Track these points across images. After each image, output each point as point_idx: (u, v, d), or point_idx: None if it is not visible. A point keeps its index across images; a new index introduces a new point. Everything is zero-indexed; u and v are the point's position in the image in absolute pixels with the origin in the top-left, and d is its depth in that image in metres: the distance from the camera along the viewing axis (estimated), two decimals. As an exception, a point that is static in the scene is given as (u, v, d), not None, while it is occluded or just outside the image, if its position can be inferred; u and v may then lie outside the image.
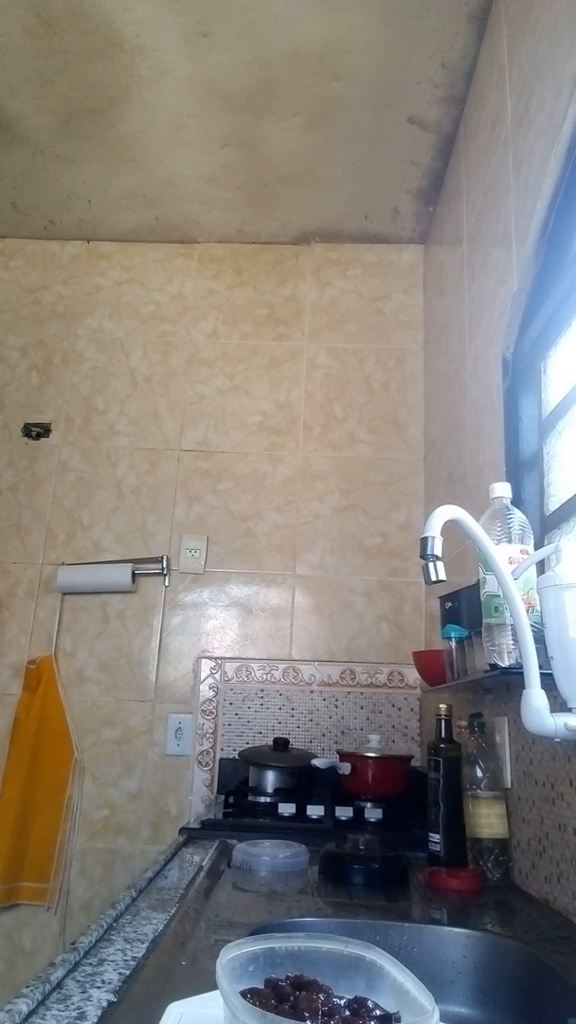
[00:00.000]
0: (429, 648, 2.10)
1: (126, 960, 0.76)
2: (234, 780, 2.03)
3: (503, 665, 1.09)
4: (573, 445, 1.32)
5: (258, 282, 2.71)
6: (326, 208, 2.58)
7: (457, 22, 1.87)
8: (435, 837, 1.28)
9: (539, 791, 1.13)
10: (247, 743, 2.17)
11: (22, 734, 2.22)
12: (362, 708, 2.23)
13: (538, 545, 1.22)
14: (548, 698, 0.90)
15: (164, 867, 1.22)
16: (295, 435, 2.53)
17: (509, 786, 1.27)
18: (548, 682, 0.91)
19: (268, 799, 1.81)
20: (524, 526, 1.12)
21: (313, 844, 1.32)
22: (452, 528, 0.97)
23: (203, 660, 2.29)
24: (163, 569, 2.39)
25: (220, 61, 2.02)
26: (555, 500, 1.38)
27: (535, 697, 0.90)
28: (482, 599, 1.14)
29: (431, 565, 0.93)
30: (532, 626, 0.94)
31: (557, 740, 0.91)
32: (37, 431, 2.55)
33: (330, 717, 2.22)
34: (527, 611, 0.97)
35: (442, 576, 0.92)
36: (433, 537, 0.93)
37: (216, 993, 0.52)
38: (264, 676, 2.27)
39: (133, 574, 2.34)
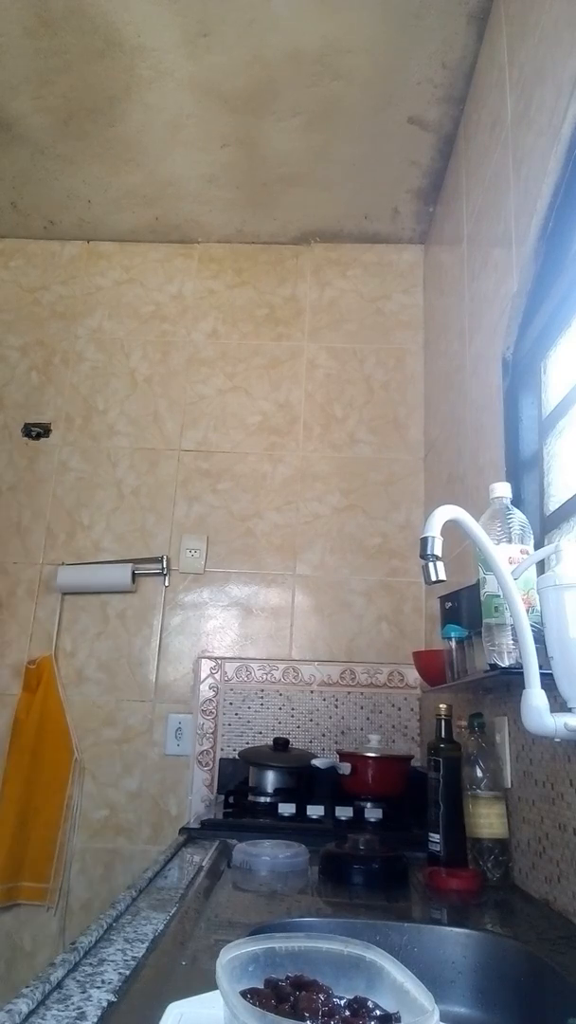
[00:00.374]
0: (429, 648, 2.10)
1: (126, 960, 0.76)
2: (234, 780, 2.03)
3: (503, 665, 1.09)
4: (573, 445, 1.32)
5: (258, 282, 2.71)
6: (326, 208, 2.58)
7: (457, 22, 1.87)
8: (435, 837, 1.28)
9: (539, 791, 1.13)
10: (247, 743, 2.17)
11: (22, 734, 2.22)
12: (362, 708, 2.23)
13: (538, 545, 1.22)
14: (548, 698, 0.90)
15: (164, 867, 1.22)
16: (295, 435, 2.53)
17: (509, 786, 1.27)
18: (548, 682, 0.91)
19: (268, 799, 1.81)
20: (524, 526, 1.12)
21: (313, 844, 1.32)
22: (452, 528, 0.97)
23: (203, 660, 2.29)
24: (163, 569, 2.39)
25: (220, 61, 2.02)
26: (555, 500, 1.38)
27: (535, 697, 0.90)
28: (482, 599, 1.14)
29: (431, 565, 0.93)
30: (532, 626, 0.94)
31: (557, 740, 0.91)
32: (37, 431, 2.55)
33: (330, 717, 2.22)
34: (527, 611, 0.97)
35: (442, 576, 0.92)
36: (433, 537, 0.93)
37: (216, 993, 0.52)
38: (264, 676, 2.27)
39: (133, 574, 2.34)
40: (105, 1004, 0.65)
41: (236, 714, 2.23)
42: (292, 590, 2.39)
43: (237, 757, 2.05)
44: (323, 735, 2.21)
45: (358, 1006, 0.54)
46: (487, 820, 1.25)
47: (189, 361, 2.63)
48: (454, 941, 0.92)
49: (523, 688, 0.91)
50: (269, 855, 1.26)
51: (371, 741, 1.89)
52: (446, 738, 1.35)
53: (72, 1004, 0.64)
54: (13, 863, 2.10)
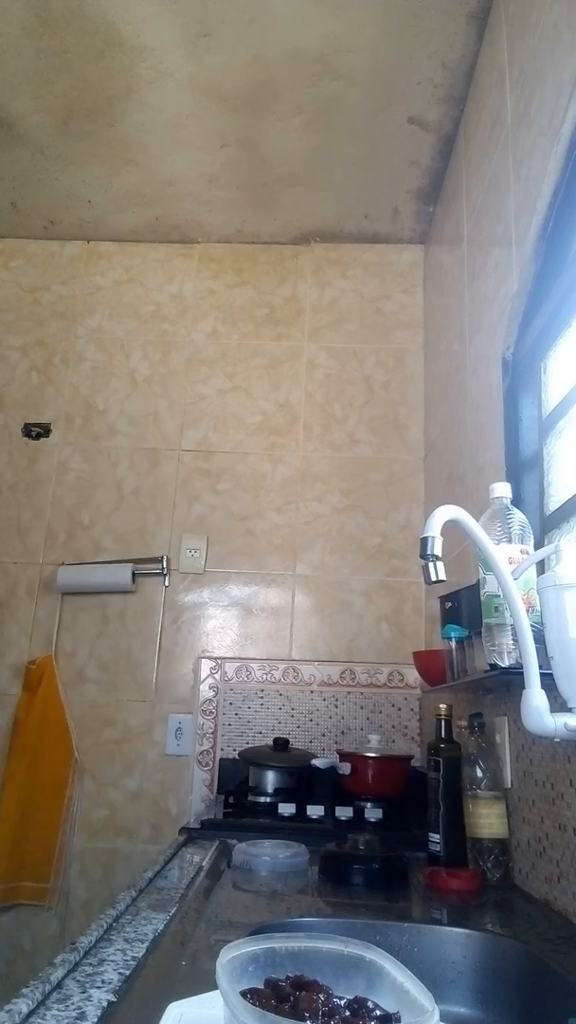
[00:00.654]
0: (429, 648, 2.10)
1: (126, 960, 0.76)
2: (234, 780, 2.03)
3: (503, 665, 1.09)
4: (573, 445, 1.32)
5: (258, 282, 2.71)
6: (326, 208, 2.58)
7: (457, 22, 1.87)
8: (435, 837, 1.28)
9: (539, 791, 1.13)
10: (247, 743, 2.17)
11: (22, 734, 2.22)
12: (362, 708, 2.23)
13: (538, 545, 1.22)
14: (548, 698, 0.90)
15: (164, 867, 1.22)
16: (295, 435, 2.53)
17: (509, 786, 1.27)
18: (548, 682, 0.91)
19: (268, 799, 1.81)
20: (524, 526, 1.12)
21: (313, 844, 1.32)
22: (452, 528, 0.97)
23: (203, 660, 2.29)
24: (163, 569, 2.39)
25: (220, 61, 2.02)
26: (555, 500, 1.38)
27: (535, 697, 0.90)
28: (482, 599, 1.14)
29: (431, 565, 0.93)
30: (532, 626, 0.94)
31: (557, 740, 0.91)
32: (37, 431, 2.55)
33: (330, 717, 2.22)
34: (527, 611, 0.97)
35: (442, 576, 0.92)
36: (433, 537, 0.93)
37: (216, 993, 0.52)
38: (264, 676, 2.27)
39: (133, 574, 2.34)
40: (105, 1004, 0.65)
41: (236, 714, 2.23)
42: (292, 590, 2.39)
43: (237, 757, 2.05)
44: (323, 735, 2.21)
45: (358, 1006, 0.54)
46: (487, 820, 1.25)
47: (189, 361, 2.63)
48: (454, 941, 0.92)
49: (523, 688, 0.91)
50: (269, 855, 1.26)
51: (371, 741, 1.89)
52: (446, 738, 1.35)
53: (72, 1004, 0.64)
54: (13, 863, 2.10)
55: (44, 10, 1.89)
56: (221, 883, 1.15)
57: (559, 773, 1.06)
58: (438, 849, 1.27)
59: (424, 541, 0.93)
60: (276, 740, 1.98)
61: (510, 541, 1.10)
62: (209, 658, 2.30)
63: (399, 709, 2.23)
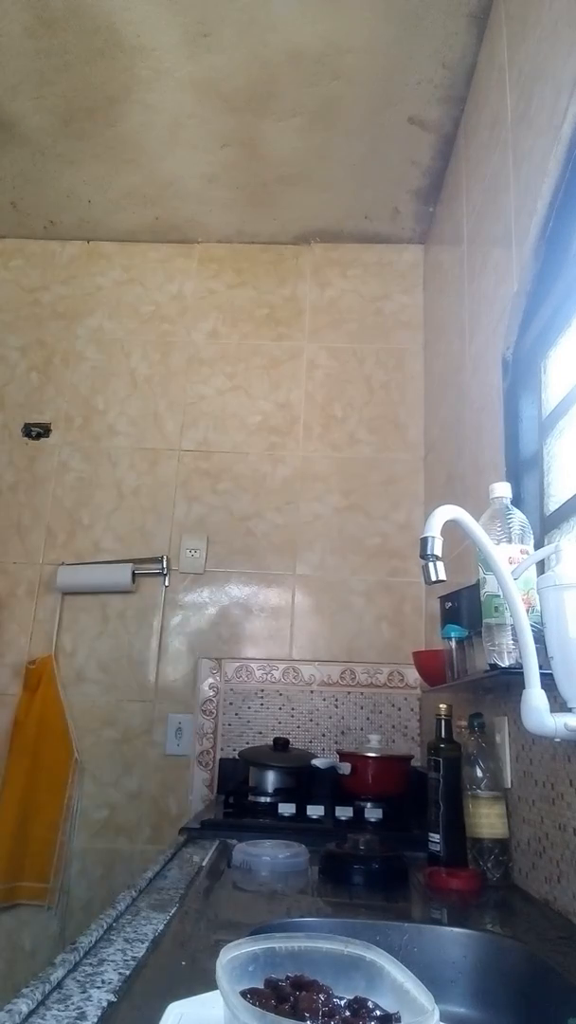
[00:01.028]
0: (429, 648, 2.10)
1: (126, 960, 0.76)
2: (234, 780, 2.03)
3: (503, 665, 1.09)
4: (573, 445, 1.32)
5: (258, 282, 2.71)
6: (326, 208, 2.58)
7: (457, 22, 1.87)
8: (435, 837, 1.28)
9: (539, 791, 1.13)
10: (247, 743, 2.17)
11: (22, 734, 2.22)
12: (362, 708, 2.23)
13: (538, 545, 1.22)
14: (548, 698, 0.90)
15: (164, 867, 1.22)
16: (295, 435, 2.53)
17: (509, 786, 1.27)
18: (548, 682, 0.91)
19: (268, 799, 1.81)
20: (524, 526, 1.12)
21: (313, 844, 1.32)
22: (452, 528, 0.97)
23: (203, 660, 2.29)
24: (163, 569, 2.39)
25: (220, 61, 2.02)
26: (555, 500, 1.38)
27: (535, 697, 0.90)
28: (482, 599, 1.14)
29: (431, 565, 0.93)
30: (532, 626, 0.94)
31: (557, 740, 0.91)
32: (37, 431, 2.55)
33: (330, 717, 2.22)
34: (527, 611, 0.97)
35: (442, 576, 0.92)
36: (433, 537, 0.93)
37: (216, 993, 0.52)
38: (264, 676, 2.27)
39: (133, 574, 2.34)
40: (105, 1004, 0.65)
41: (236, 714, 2.23)
42: (292, 590, 2.39)
43: (237, 757, 2.05)
44: (323, 735, 2.21)
45: (358, 1006, 0.54)
46: (487, 820, 1.25)
47: (189, 361, 2.63)
48: (454, 941, 0.92)
49: (523, 688, 0.91)
50: (269, 855, 1.26)
51: (371, 741, 1.89)
52: (446, 738, 1.35)
53: (72, 1004, 0.64)
54: (13, 863, 2.10)
55: (44, 10, 1.89)
56: (221, 883, 1.15)
57: (559, 773, 1.06)
58: (438, 849, 1.27)
59: (424, 541, 0.93)
60: (276, 740, 1.98)
61: (510, 541, 1.10)
62: (209, 658, 2.30)
63: (399, 709, 2.23)
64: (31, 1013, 0.62)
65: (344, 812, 1.65)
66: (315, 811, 1.66)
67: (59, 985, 0.69)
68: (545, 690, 0.90)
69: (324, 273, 2.72)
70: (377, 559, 2.39)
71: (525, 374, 1.53)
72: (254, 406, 2.57)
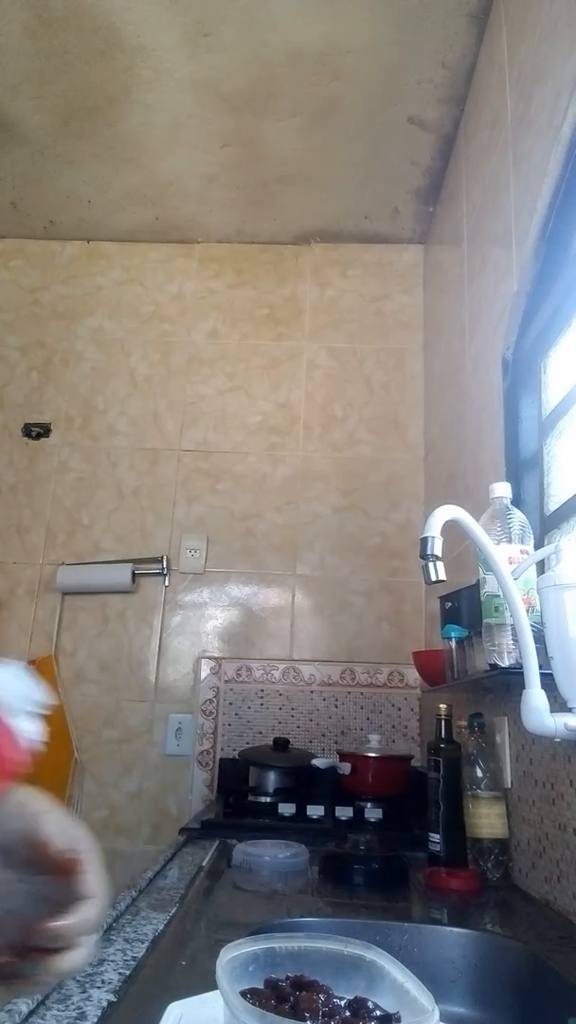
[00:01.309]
0: (429, 648, 2.10)
1: (126, 960, 0.76)
2: (234, 780, 2.03)
3: (503, 665, 1.09)
4: (573, 445, 1.32)
5: (258, 282, 2.71)
6: (326, 208, 2.58)
7: (457, 22, 1.87)
8: (435, 837, 1.28)
9: (539, 791, 1.13)
10: (247, 743, 2.17)
11: (22, 734, 2.22)
12: (362, 708, 2.23)
13: (538, 545, 1.22)
14: (548, 698, 0.90)
15: (164, 867, 1.22)
16: (295, 435, 2.53)
17: (509, 786, 1.27)
18: (548, 682, 0.91)
19: (268, 799, 1.81)
20: (524, 526, 1.12)
21: (313, 844, 1.32)
22: (452, 528, 0.97)
23: (203, 660, 2.29)
24: (163, 569, 2.38)
25: (220, 61, 2.01)
26: (555, 500, 1.38)
27: (535, 697, 0.90)
28: (482, 599, 1.14)
29: (431, 565, 0.93)
30: (532, 626, 0.94)
31: (557, 740, 0.91)
32: (37, 431, 2.55)
33: (330, 717, 2.22)
34: (527, 611, 0.97)
35: (442, 576, 0.92)
36: (433, 537, 0.93)
37: (216, 993, 0.52)
38: (264, 676, 2.27)
39: (133, 574, 2.34)
40: (105, 1004, 0.65)
41: (236, 714, 2.23)
42: (292, 590, 2.38)
43: (237, 757, 2.05)
44: (323, 735, 2.20)
45: (358, 1006, 0.54)
46: (487, 820, 1.25)
47: (189, 361, 2.63)
48: (454, 941, 0.92)
49: (523, 688, 0.91)
50: (269, 855, 1.26)
51: (371, 741, 1.89)
52: (446, 738, 1.35)
53: (72, 1004, 0.64)
54: (13, 863, 2.10)
55: (44, 10, 1.88)
56: (221, 883, 1.15)
57: (559, 773, 1.06)
58: (438, 849, 1.27)
59: (424, 541, 0.93)
60: (276, 740, 1.98)
61: (510, 541, 1.10)
62: (209, 658, 2.30)
63: (399, 709, 2.23)
64: (31, 1013, 0.62)
65: (344, 812, 1.66)
66: (315, 811, 1.66)
67: (59, 985, 0.69)
68: (545, 690, 0.90)
69: (324, 273, 2.72)
70: (377, 559, 2.39)
71: (525, 374, 1.53)
72: (254, 406, 2.57)
